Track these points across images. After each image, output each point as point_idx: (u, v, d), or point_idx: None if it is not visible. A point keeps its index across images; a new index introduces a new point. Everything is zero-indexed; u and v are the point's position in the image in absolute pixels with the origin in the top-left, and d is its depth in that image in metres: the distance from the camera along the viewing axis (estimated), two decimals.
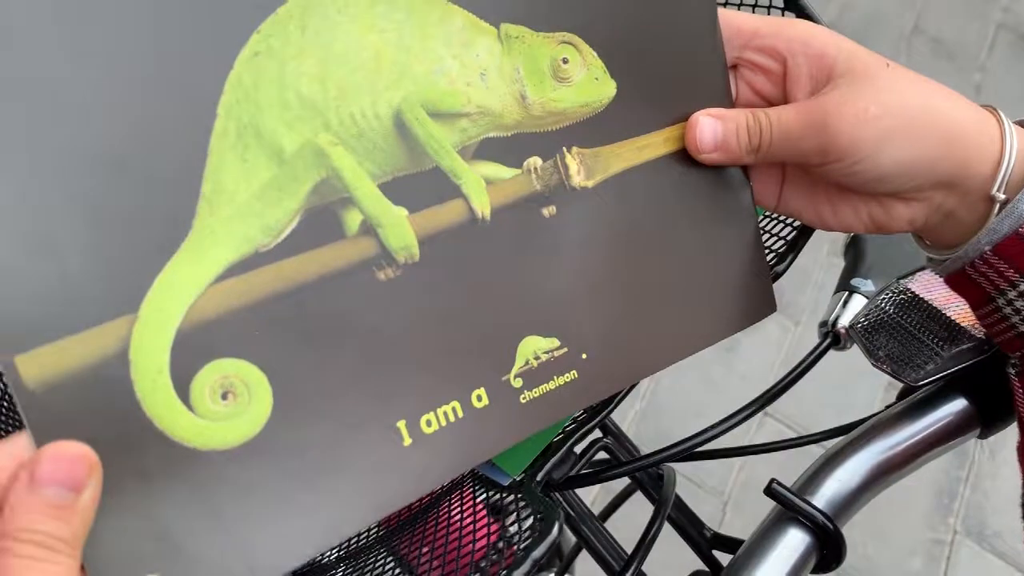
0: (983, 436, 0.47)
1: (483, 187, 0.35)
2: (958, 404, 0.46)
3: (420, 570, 0.47)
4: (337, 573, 0.50)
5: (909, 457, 0.45)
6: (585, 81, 0.38)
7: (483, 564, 0.42)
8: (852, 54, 0.38)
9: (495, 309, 0.36)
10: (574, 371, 0.37)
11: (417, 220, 0.34)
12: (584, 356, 0.38)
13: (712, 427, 0.45)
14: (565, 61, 0.37)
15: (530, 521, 0.40)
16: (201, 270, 0.29)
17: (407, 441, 0.33)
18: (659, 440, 0.58)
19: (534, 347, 0.36)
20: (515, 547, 0.39)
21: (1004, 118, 0.38)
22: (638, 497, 0.66)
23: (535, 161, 0.37)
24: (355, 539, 0.56)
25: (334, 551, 0.54)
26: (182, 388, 0.29)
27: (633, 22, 0.39)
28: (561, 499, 0.54)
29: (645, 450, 0.55)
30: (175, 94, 0.29)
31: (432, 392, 0.34)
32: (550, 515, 0.38)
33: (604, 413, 0.44)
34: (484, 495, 0.48)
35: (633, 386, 0.43)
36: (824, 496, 0.43)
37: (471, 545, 0.46)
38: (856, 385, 1.50)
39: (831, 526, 0.41)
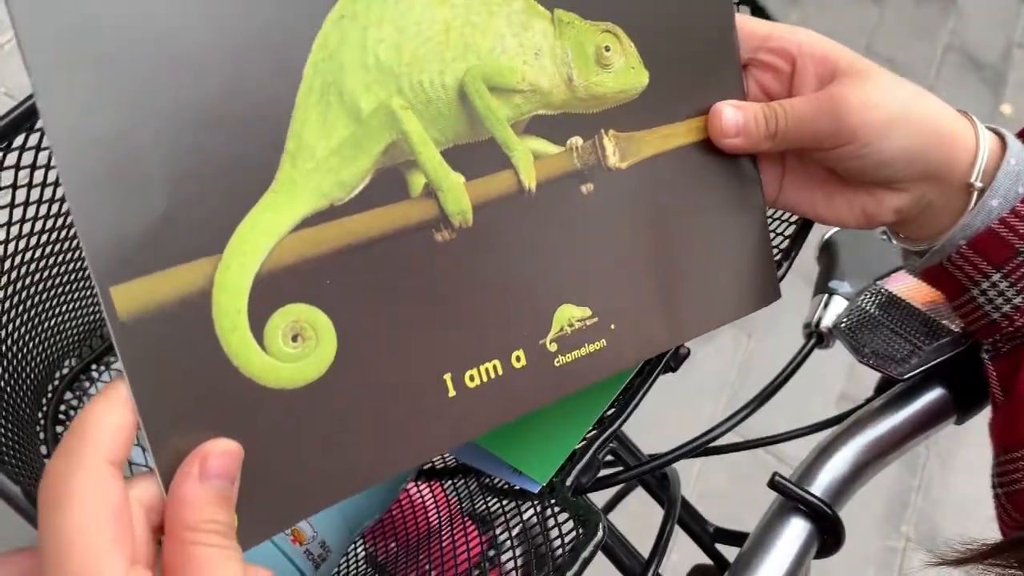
0: (959, 422, 0.51)
1: (531, 160, 0.37)
2: (936, 393, 0.50)
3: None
4: None
5: (895, 444, 0.49)
6: (623, 69, 0.40)
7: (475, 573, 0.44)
8: (852, 57, 0.43)
9: (536, 277, 0.38)
10: (603, 340, 0.40)
11: (472, 187, 0.36)
12: (612, 327, 0.40)
13: (717, 426, 0.49)
14: (607, 49, 0.39)
15: (569, 526, 0.41)
16: (281, 219, 0.31)
17: (451, 393, 0.35)
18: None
19: (569, 315, 0.39)
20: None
21: (975, 119, 0.43)
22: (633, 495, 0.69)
23: (577, 140, 0.39)
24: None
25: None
26: (257, 329, 0.31)
27: (664, 20, 0.42)
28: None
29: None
30: (269, 52, 0.31)
31: (476, 350, 0.36)
32: (592, 517, 0.39)
33: (622, 419, 0.45)
34: (476, 528, 0.50)
35: (649, 388, 0.46)
36: (821, 485, 0.47)
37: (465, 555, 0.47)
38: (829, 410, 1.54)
39: (830, 512, 0.44)
